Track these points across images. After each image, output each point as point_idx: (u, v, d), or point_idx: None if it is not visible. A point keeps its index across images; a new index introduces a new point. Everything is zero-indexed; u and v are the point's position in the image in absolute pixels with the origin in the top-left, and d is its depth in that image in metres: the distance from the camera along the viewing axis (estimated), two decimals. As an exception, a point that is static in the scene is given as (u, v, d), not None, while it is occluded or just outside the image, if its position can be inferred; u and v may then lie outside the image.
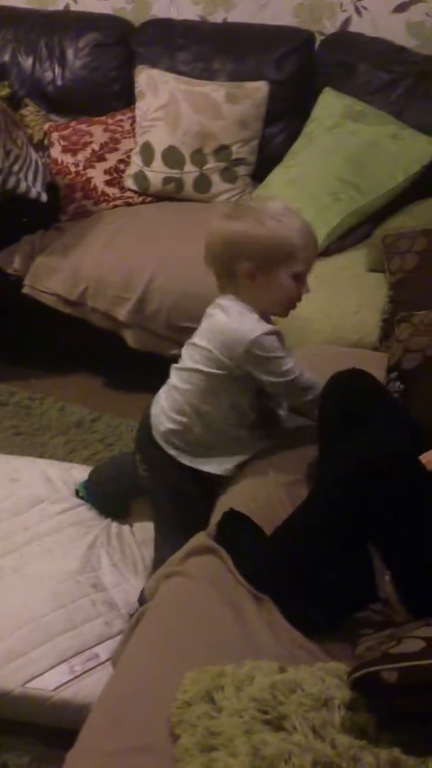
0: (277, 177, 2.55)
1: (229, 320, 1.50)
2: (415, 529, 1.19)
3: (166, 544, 1.67)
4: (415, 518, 1.19)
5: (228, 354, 1.50)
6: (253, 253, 1.45)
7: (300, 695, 0.97)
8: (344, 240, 2.37)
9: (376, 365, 1.79)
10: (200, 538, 1.42)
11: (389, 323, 1.96)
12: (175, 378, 1.64)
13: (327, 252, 2.33)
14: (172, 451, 1.62)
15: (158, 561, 1.69)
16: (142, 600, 1.58)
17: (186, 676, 1.09)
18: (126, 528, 1.92)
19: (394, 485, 1.19)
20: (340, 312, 2.10)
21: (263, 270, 1.46)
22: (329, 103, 2.57)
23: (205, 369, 1.55)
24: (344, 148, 2.42)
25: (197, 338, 1.58)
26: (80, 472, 2.05)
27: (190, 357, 1.60)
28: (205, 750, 0.92)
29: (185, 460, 1.62)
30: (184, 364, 1.62)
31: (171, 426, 1.62)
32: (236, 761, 0.86)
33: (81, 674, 1.56)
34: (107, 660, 1.60)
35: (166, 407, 1.63)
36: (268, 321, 1.56)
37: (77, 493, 1.96)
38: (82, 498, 1.95)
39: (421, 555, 1.19)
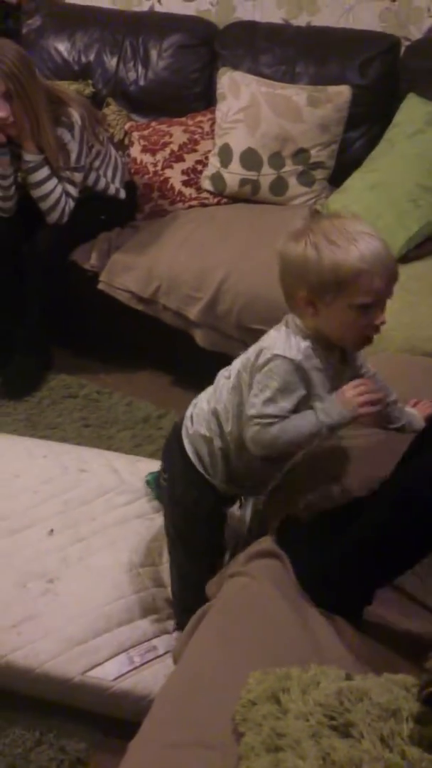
0: (355, 182, 2.53)
1: (275, 333, 1.39)
2: None
3: (183, 579, 1.61)
4: None
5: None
6: (308, 281, 1.30)
7: (367, 704, 0.96)
8: (422, 248, 2.33)
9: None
10: (264, 542, 1.42)
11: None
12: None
13: (405, 259, 2.30)
14: (194, 460, 1.52)
15: (177, 596, 1.65)
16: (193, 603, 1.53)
17: (250, 675, 1.09)
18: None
19: None
20: (416, 321, 2.07)
21: (320, 300, 1.30)
22: (413, 110, 2.54)
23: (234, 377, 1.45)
24: (426, 154, 2.39)
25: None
26: (146, 465, 2.08)
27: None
28: (271, 750, 0.92)
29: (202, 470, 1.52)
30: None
31: (201, 431, 1.51)
32: (305, 764, 0.86)
33: (140, 666, 1.59)
34: (165, 653, 1.62)
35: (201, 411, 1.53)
36: (336, 351, 1.40)
37: (148, 483, 1.99)
38: (148, 482, 1.98)
39: None
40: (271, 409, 1.33)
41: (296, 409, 1.36)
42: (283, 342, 1.35)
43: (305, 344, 1.34)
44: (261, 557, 1.41)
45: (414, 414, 1.56)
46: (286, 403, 1.34)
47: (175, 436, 1.58)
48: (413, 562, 1.26)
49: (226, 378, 1.51)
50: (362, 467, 1.50)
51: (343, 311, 1.29)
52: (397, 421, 1.54)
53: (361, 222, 1.32)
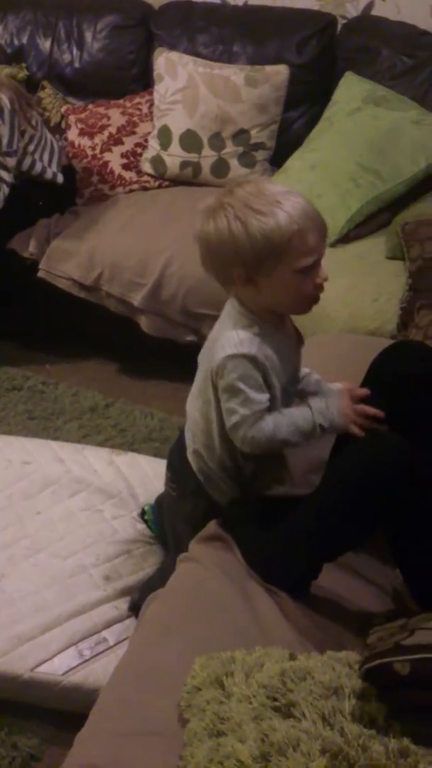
0: (296, 162, 2.51)
1: (221, 330, 1.33)
2: (420, 526, 1.17)
3: None
4: (418, 516, 1.16)
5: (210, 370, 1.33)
6: (242, 257, 1.22)
7: (310, 683, 0.96)
8: (364, 227, 2.33)
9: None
10: (211, 527, 1.41)
11: (408, 311, 1.94)
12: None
13: (346, 239, 2.30)
14: (199, 475, 1.47)
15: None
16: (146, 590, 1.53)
17: (196, 661, 1.09)
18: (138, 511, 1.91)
19: (399, 487, 1.17)
20: (358, 300, 2.07)
21: (260, 273, 1.23)
22: (351, 88, 2.53)
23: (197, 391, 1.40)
24: (365, 133, 2.38)
25: None
26: (93, 453, 2.04)
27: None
28: (213, 735, 0.91)
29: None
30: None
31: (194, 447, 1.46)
32: (244, 746, 0.85)
33: (90, 658, 1.57)
34: (116, 644, 1.60)
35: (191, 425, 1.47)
36: (283, 321, 1.37)
37: (143, 514, 1.86)
38: (146, 521, 1.84)
39: (424, 547, 1.17)
40: (252, 407, 1.29)
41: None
42: (232, 340, 1.29)
43: (250, 335, 1.29)
44: (208, 541, 1.41)
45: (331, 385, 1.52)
46: (261, 396, 1.30)
47: (177, 446, 1.54)
48: (356, 540, 1.27)
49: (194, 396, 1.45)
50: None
51: (286, 278, 1.23)
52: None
53: (272, 183, 1.27)
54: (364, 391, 1.37)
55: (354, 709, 0.92)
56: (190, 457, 1.47)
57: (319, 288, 1.28)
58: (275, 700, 0.94)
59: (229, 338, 1.29)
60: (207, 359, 1.37)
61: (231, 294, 1.33)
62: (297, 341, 1.42)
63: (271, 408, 1.33)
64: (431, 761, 0.83)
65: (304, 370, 1.47)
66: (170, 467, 1.58)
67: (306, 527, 1.28)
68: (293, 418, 1.32)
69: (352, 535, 1.25)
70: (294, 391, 1.43)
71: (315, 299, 1.30)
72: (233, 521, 1.40)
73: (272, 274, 1.23)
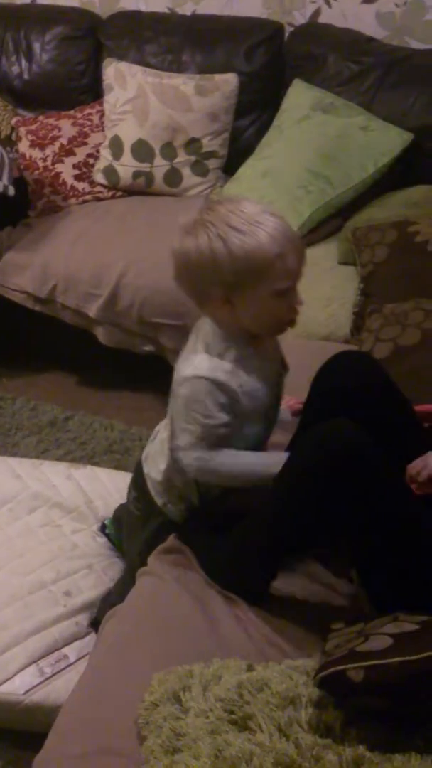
0: (248, 170, 2.53)
1: (191, 347, 1.30)
2: (374, 526, 1.16)
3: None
4: (371, 515, 1.15)
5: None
6: (221, 276, 1.20)
7: (267, 694, 0.95)
8: (315, 233, 2.35)
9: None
10: (170, 540, 1.40)
11: (360, 316, 1.96)
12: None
13: (298, 245, 2.31)
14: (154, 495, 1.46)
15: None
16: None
17: (153, 676, 1.08)
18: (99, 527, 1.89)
19: (350, 468, 1.14)
20: (311, 306, 2.07)
21: (238, 293, 1.21)
22: (299, 95, 2.56)
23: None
24: (314, 140, 2.41)
25: None
26: (50, 468, 2.02)
27: None
28: (169, 752, 0.91)
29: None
30: None
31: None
32: (198, 763, 0.85)
33: (51, 676, 1.54)
34: (77, 660, 1.58)
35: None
36: (262, 344, 1.34)
37: (104, 528, 1.83)
38: (108, 535, 1.81)
39: (379, 550, 1.17)
40: (204, 430, 1.26)
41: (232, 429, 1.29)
42: (201, 363, 1.27)
43: (222, 362, 1.26)
44: (166, 554, 1.40)
45: (284, 412, 1.52)
46: (219, 415, 1.26)
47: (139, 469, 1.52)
48: (310, 534, 1.24)
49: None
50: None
51: (264, 300, 1.21)
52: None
53: (253, 202, 1.25)
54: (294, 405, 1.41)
55: (311, 718, 0.92)
56: (149, 482, 1.46)
57: (294, 312, 1.27)
58: (232, 713, 0.94)
59: (199, 361, 1.27)
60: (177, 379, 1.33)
61: (205, 313, 1.30)
62: (281, 366, 1.40)
63: (248, 436, 1.32)
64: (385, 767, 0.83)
65: None
66: (135, 486, 1.56)
67: (259, 525, 1.27)
68: (253, 458, 1.30)
69: (305, 528, 1.22)
70: (275, 420, 1.41)
71: (290, 323, 1.29)
72: (191, 531, 1.40)
73: (250, 295, 1.21)
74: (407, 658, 0.89)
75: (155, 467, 1.46)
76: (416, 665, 0.88)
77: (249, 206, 1.22)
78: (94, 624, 1.61)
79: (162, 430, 1.46)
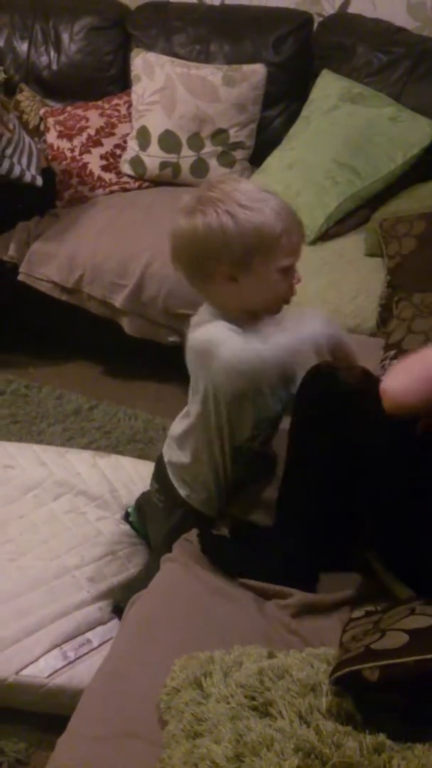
0: (274, 161, 2.52)
1: (196, 333, 1.29)
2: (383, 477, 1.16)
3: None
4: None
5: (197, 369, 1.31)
6: (228, 252, 1.20)
7: (288, 681, 0.96)
8: (342, 224, 2.34)
9: (373, 351, 1.77)
10: (194, 531, 1.41)
11: (387, 308, 1.94)
12: None
13: (325, 236, 2.31)
14: (178, 486, 1.50)
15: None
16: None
17: (175, 662, 1.09)
18: (123, 514, 1.90)
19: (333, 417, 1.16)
20: (338, 297, 2.08)
21: (244, 270, 1.22)
22: (327, 86, 2.54)
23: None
24: (342, 130, 2.39)
25: None
26: (75, 456, 2.04)
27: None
28: (190, 736, 0.92)
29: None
30: None
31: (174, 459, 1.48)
32: (219, 747, 0.85)
33: (74, 660, 1.56)
34: (100, 645, 1.60)
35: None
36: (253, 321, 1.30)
37: (127, 516, 1.86)
38: (131, 522, 1.84)
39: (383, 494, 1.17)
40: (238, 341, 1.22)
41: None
42: (217, 325, 1.26)
43: (221, 322, 1.26)
44: (190, 542, 1.41)
45: None
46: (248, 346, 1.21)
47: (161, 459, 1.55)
48: (332, 499, 1.24)
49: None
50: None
51: (268, 276, 1.23)
52: None
53: (250, 182, 1.29)
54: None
55: (331, 706, 0.92)
56: (171, 472, 1.48)
57: (292, 289, 1.29)
58: (253, 699, 0.94)
59: (214, 325, 1.26)
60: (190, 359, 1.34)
61: (205, 294, 1.31)
62: None
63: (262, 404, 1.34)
64: (405, 757, 0.83)
65: None
66: (157, 478, 1.58)
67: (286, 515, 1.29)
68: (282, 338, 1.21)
69: (322, 492, 1.22)
70: (286, 396, 1.40)
71: (287, 300, 1.31)
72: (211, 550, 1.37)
73: (256, 271, 1.22)
74: (423, 656, 0.87)
75: (177, 455, 1.48)
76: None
77: (249, 185, 1.25)
78: (117, 610, 1.63)
79: (179, 420, 1.47)
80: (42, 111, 2.81)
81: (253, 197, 1.21)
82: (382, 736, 0.86)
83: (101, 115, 2.76)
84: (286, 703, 0.91)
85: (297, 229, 1.24)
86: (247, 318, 1.30)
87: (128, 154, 2.72)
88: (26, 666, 1.55)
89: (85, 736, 1.05)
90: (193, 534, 1.40)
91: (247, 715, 0.91)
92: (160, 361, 2.51)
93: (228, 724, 0.89)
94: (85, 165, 2.70)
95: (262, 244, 1.20)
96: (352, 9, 2.74)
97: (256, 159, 2.66)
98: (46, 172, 2.63)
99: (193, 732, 0.92)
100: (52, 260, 2.45)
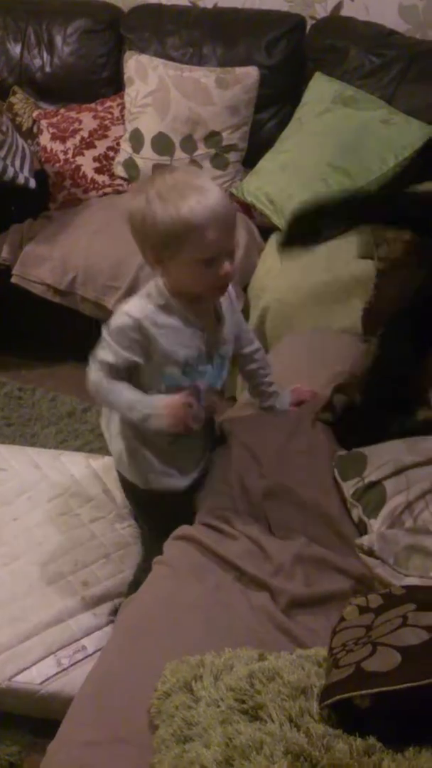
0: (267, 163, 2.52)
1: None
2: None
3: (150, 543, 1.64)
4: None
5: None
6: (148, 237, 1.30)
7: (278, 683, 0.96)
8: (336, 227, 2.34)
9: (362, 352, 1.78)
10: (183, 528, 1.41)
11: (369, 312, 1.95)
12: None
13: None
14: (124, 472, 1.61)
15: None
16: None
17: (166, 666, 1.08)
18: (117, 515, 1.90)
19: None
20: (330, 298, 2.08)
21: (164, 256, 1.31)
22: (320, 88, 2.54)
23: None
24: (335, 133, 2.39)
25: None
26: (69, 459, 2.04)
27: None
28: (181, 741, 0.91)
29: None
30: None
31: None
32: (209, 752, 0.85)
33: (68, 667, 1.56)
34: (95, 652, 1.59)
35: None
36: (200, 303, 1.40)
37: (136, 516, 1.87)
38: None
39: None
40: (98, 355, 1.40)
41: (130, 368, 1.40)
42: (134, 301, 1.39)
43: (150, 307, 1.37)
44: (179, 541, 1.41)
45: (285, 396, 1.63)
46: (106, 355, 1.39)
47: None
48: None
49: None
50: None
51: (188, 266, 1.29)
52: (266, 402, 1.64)
53: (197, 175, 1.34)
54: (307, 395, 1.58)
55: (322, 708, 0.92)
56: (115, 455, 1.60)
57: (222, 279, 1.33)
58: (243, 702, 0.94)
59: (131, 300, 1.40)
60: None
61: (152, 270, 1.40)
62: (216, 320, 1.45)
63: (166, 377, 1.41)
64: (395, 759, 0.83)
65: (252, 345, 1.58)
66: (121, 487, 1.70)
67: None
68: (124, 391, 1.40)
69: None
70: (215, 371, 1.48)
71: (220, 288, 1.37)
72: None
73: (175, 259, 1.30)
74: (415, 683, 0.86)
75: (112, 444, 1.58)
76: (425, 691, 0.85)
77: (186, 177, 1.30)
78: (116, 613, 1.63)
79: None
80: (35, 113, 2.81)
81: (177, 192, 1.26)
82: (372, 739, 0.86)
83: (94, 117, 2.76)
84: (277, 706, 0.91)
85: (218, 227, 1.27)
86: (189, 299, 1.37)
87: (121, 157, 2.72)
88: (19, 672, 1.54)
89: (75, 742, 1.05)
90: (183, 532, 1.39)
91: (237, 718, 0.91)
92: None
93: (218, 728, 0.89)
94: (78, 167, 2.70)
95: (170, 236, 1.27)
96: (345, 12, 2.74)
97: (249, 161, 2.66)
98: (39, 175, 2.63)
99: (183, 736, 0.91)
100: (46, 262, 2.44)
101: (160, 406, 1.38)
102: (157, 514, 1.61)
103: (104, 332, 1.40)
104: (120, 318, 1.38)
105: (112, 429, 1.57)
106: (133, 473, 1.56)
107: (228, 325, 1.46)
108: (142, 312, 1.37)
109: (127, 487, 1.63)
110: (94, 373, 1.41)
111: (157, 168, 2.66)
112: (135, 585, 1.63)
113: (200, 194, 1.26)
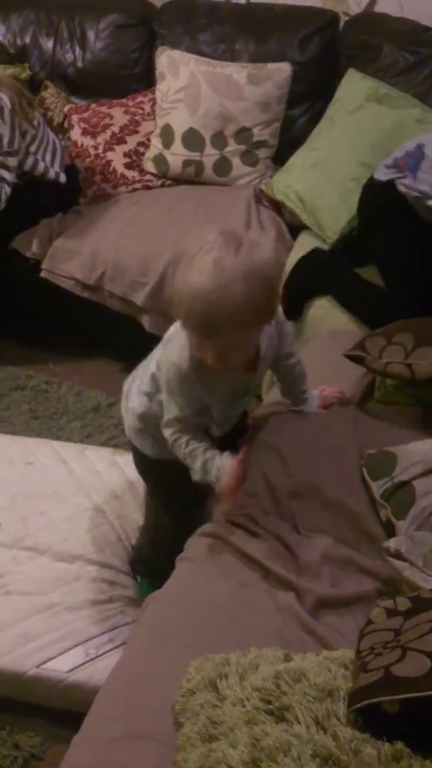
0: (298, 160, 2.50)
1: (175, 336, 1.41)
2: None
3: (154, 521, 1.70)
4: None
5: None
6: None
7: (304, 685, 0.95)
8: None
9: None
10: (209, 525, 1.41)
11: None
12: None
13: (348, 238, 2.29)
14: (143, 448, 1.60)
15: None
16: None
17: (191, 663, 1.08)
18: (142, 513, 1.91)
19: None
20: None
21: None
22: (353, 85, 2.52)
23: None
24: (368, 131, 2.37)
25: None
26: (94, 453, 2.05)
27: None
28: (206, 739, 0.91)
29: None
30: None
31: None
32: (235, 752, 0.85)
33: (95, 657, 1.57)
34: (121, 644, 1.60)
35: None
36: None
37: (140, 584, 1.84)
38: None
39: None
40: (176, 412, 1.39)
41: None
42: (178, 347, 1.37)
43: (187, 357, 1.35)
44: (203, 538, 1.40)
45: (314, 399, 1.62)
46: (186, 406, 1.39)
47: None
48: None
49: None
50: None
51: (195, 342, 1.31)
52: (295, 406, 1.62)
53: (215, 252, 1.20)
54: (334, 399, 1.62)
55: (349, 711, 0.91)
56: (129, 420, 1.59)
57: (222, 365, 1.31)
58: (269, 703, 0.93)
59: (180, 345, 1.36)
60: (162, 348, 1.47)
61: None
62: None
63: (203, 417, 1.43)
64: (425, 765, 0.82)
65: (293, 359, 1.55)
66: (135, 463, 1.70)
67: None
68: (199, 455, 1.41)
69: None
70: (243, 402, 1.53)
71: (221, 371, 1.34)
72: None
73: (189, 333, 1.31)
74: None
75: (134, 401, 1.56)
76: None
77: (226, 265, 1.19)
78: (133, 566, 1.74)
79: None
80: (66, 108, 2.81)
81: (191, 271, 1.19)
82: (400, 744, 0.85)
83: (125, 112, 2.76)
84: (303, 708, 0.90)
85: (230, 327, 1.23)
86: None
87: (151, 152, 2.72)
88: (48, 660, 1.56)
89: (99, 737, 1.05)
90: (208, 528, 1.39)
91: (262, 719, 0.90)
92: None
93: (244, 728, 0.89)
94: (108, 162, 2.70)
95: (178, 313, 1.26)
96: (379, 8, 2.71)
97: (280, 158, 2.64)
98: (70, 170, 2.64)
99: (208, 735, 0.91)
100: (75, 257, 2.45)
101: (214, 475, 1.40)
102: (167, 485, 1.62)
103: (164, 387, 1.41)
104: (171, 370, 1.38)
105: (129, 401, 1.58)
106: (145, 443, 1.57)
107: (264, 363, 1.45)
108: (184, 360, 1.36)
109: (138, 457, 1.64)
110: (168, 431, 1.43)
111: (188, 164, 2.66)
112: (136, 550, 1.76)
113: (227, 290, 1.19)
